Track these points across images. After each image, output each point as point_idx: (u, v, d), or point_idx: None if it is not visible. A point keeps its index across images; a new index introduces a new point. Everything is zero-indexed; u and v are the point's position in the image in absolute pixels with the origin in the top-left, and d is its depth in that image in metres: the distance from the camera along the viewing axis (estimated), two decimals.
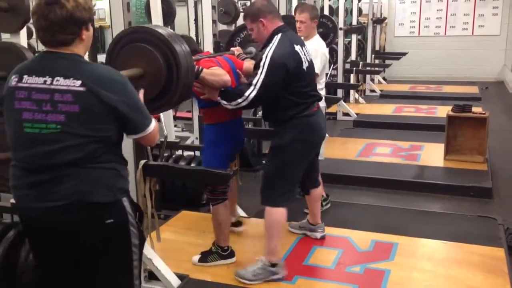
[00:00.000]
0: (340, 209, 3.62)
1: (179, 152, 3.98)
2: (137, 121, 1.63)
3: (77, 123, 1.52)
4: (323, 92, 3.57)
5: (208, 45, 3.71)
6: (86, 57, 1.70)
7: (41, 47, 1.64)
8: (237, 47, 3.01)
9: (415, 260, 2.88)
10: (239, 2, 5.44)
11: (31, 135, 1.54)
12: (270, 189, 2.59)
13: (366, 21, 8.65)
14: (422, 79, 9.94)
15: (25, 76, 1.56)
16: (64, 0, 1.51)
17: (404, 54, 9.01)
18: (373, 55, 8.84)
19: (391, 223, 3.37)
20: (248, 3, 7.76)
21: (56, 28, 1.53)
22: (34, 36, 6.52)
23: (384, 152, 5.05)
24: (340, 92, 6.98)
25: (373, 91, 8.50)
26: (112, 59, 1.94)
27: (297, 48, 2.49)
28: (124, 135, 1.68)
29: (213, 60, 2.59)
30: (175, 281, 2.56)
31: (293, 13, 4.61)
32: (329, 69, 6.58)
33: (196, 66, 2.27)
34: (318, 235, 3.10)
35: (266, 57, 2.42)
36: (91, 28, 1.62)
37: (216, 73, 2.42)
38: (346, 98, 7.37)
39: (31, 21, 1.64)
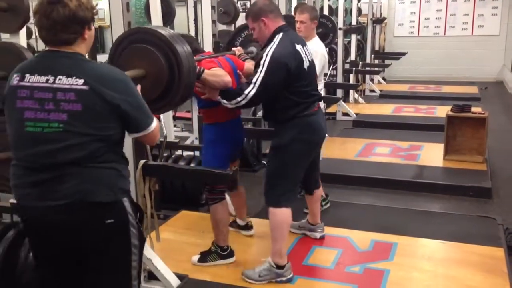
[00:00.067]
0: (340, 209, 3.62)
1: (179, 152, 3.99)
2: (139, 119, 1.63)
3: (80, 121, 1.52)
4: (322, 92, 3.57)
5: (207, 45, 3.71)
6: (86, 57, 1.70)
7: (40, 47, 1.64)
8: (238, 47, 3.01)
9: (415, 260, 2.88)
10: (238, 2, 5.43)
11: (33, 134, 1.54)
12: (272, 189, 2.59)
13: (366, 21, 8.66)
14: (422, 79, 9.95)
15: (27, 75, 1.56)
16: None
17: (403, 54, 9.02)
18: (372, 55, 8.85)
19: (390, 223, 3.37)
20: (248, 3, 7.75)
21: (59, 27, 1.53)
22: (34, 36, 6.52)
23: (383, 152, 5.05)
24: (339, 92, 6.98)
25: (372, 91, 8.50)
26: (114, 61, 1.95)
27: (298, 47, 2.50)
28: (126, 133, 1.69)
29: (214, 61, 2.59)
30: (175, 281, 2.56)
31: (292, 13, 4.61)
32: (329, 69, 6.59)
33: (198, 67, 2.28)
34: (318, 235, 3.10)
35: (267, 55, 2.42)
36: (93, 28, 1.63)
37: (217, 74, 2.43)
38: (345, 98, 7.38)
39: (30, 21, 1.65)
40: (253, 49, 3.02)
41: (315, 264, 2.85)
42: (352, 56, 7.67)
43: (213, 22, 4.16)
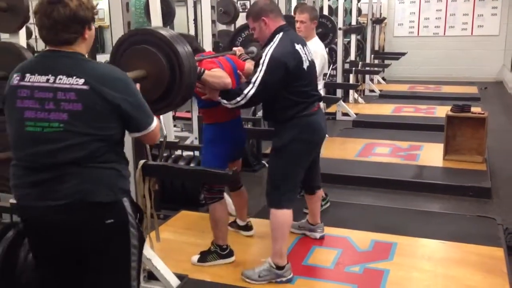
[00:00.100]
0: (340, 209, 3.62)
1: (178, 152, 3.99)
2: (139, 119, 1.63)
3: (80, 121, 1.52)
4: (322, 92, 3.57)
5: (207, 45, 3.71)
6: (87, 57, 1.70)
7: (40, 47, 1.65)
8: (239, 47, 3.02)
9: (414, 260, 2.88)
10: (238, 2, 5.43)
11: (33, 134, 1.54)
12: (273, 190, 2.59)
13: (366, 21, 8.66)
14: (421, 79, 9.95)
15: (28, 75, 1.56)
16: None
17: (403, 54, 9.03)
18: (372, 55, 8.86)
19: (390, 223, 3.37)
20: (248, 3, 7.75)
21: (60, 27, 1.53)
22: (33, 36, 6.52)
23: (383, 152, 5.05)
24: (339, 92, 6.99)
25: (372, 91, 8.50)
26: (115, 61, 1.96)
27: (298, 47, 2.50)
28: (126, 133, 1.69)
29: (214, 61, 2.60)
30: (174, 281, 2.56)
31: (292, 13, 4.61)
32: (329, 69, 6.59)
33: (198, 68, 2.28)
34: (318, 235, 3.10)
35: (266, 55, 2.42)
36: (93, 27, 1.63)
37: (217, 75, 2.43)
38: (345, 98, 7.38)
39: (30, 21, 1.65)
40: (253, 49, 3.03)
41: (315, 264, 2.85)
42: (352, 56, 7.68)
43: (213, 22, 4.16)
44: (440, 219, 3.48)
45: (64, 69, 1.54)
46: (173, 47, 1.86)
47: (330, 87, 6.84)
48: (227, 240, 2.83)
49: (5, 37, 2.69)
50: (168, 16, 4.91)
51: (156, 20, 2.86)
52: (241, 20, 4.27)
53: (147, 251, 2.52)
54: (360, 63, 7.99)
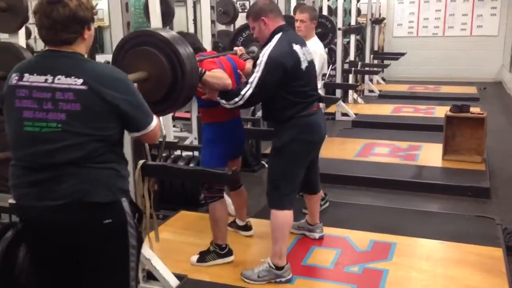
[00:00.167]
0: (339, 209, 3.62)
1: (178, 152, 3.99)
2: (139, 119, 1.63)
3: (78, 121, 1.52)
4: (321, 93, 3.57)
5: (207, 45, 3.71)
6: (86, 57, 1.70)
7: (39, 47, 1.65)
8: (240, 47, 3.03)
9: (414, 260, 2.88)
10: (238, 3, 5.44)
11: (32, 134, 1.54)
12: (274, 190, 2.59)
13: (365, 22, 8.66)
14: (421, 79, 9.96)
15: (26, 75, 1.56)
16: None
17: (402, 54, 9.03)
18: (371, 56, 8.86)
19: (389, 223, 3.37)
20: (247, 4, 7.75)
21: (59, 26, 1.53)
22: (33, 36, 6.51)
23: (382, 152, 5.06)
24: (338, 92, 6.99)
25: (371, 91, 8.51)
26: (117, 64, 1.97)
27: (296, 47, 2.50)
28: (126, 133, 1.69)
29: (215, 61, 2.61)
30: (174, 281, 2.56)
31: (291, 13, 4.60)
32: (328, 70, 6.59)
33: (199, 68, 2.29)
34: (317, 235, 3.10)
35: (264, 55, 2.43)
36: (92, 28, 1.63)
37: (218, 76, 2.44)
38: (344, 98, 7.38)
39: (29, 21, 1.65)
40: (254, 48, 3.03)
41: (314, 264, 2.85)
42: (351, 56, 7.68)
43: (212, 22, 4.16)
44: (439, 219, 3.48)
45: (63, 69, 1.54)
46: (175, 49, 1.87)
47: (330, 87, 6.84)
48: (226, 240, 2.83)
49: (5, 37, 2.70)
50: (167, 16, 4.91)
51: (156, 20, 2.86)
52: (241, 20, 4.28)
53: (146, 251, 2.52)
54: (359, 63, 7.99)
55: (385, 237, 3.13)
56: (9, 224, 2.42)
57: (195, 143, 4.43)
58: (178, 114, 5.58)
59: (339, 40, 6.71)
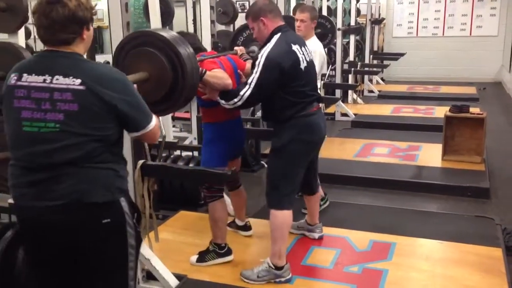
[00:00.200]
0: (338, 209, 3.62)
1: (177, 152, 3.99)
2: (138, 119, 1.63)
3: (76, 122, 1.52)
4: (320, 93, 3.58)
5: (206, 46, 3.71)
6: (85, 57, 1.70)
7: (39, 47, 1.65)
8: (241, 47, 3.03)
9: (413, 260, 2.88)
10: (237, 3, 5.44)
11: (30, 134, 1.54)
12: (273, 190, 2.59)
13: (364, 22, 8.67)
14: (420, 79, 9.96)
15: (25, 75, 1.56)
16: None
17: (402, 54, 9.03)
18: (371, 56, 8.86)
19: (389, 223, 3.37)
20: (247, 4, 7.75)
21: (57, 26, 1.53)
22: (32, 36, 6.51)
23: (382, 152, 5.06)
24: (338, 93, 6.99)
25: (371, 91, 8.51)
26: (118, 64, 1.98)
27: (295, 47, 2.50)
28: (125, 133, 1.69)
29: (216, 62, 2.61)
30: (173, 281, 2.56)
31: (291, 13, 4.60)
32: (328, 70, 6.59)
33: (200, 68, 2.30)
34: (316, 235, 3.11)
35: (262, 56, 2.44)
36: (91, 28, 1.63)
37: (218, 76, 2.45)
38: (344, 98, 7.38)
39: (29, 21, 1.65)
40: (254, 48, 3.03)
41: (314, 264, 2.85)
42: (351, 57, 7.68)
43: (212, 22, 4.16)
44: (439, 219, 3.48)
45: (61, 69, 1.54)
46: (175, 49, 1.88)
47: (329, 87, 6.84)
48: (225, 239, 2.83)
49: (4, 37, 2.70)
50: (167, 17, 4.90)
51: (155, 20, 2.87)
52: (240, 20, 4.27)
53: (146, 251, 2.52)
54: (359, 63, 8.00)
55: (385, 237, 3.13)
56: (9, 224, 2.42)
57: (195, 143, 4.43)
58: (178, 114, 5.58)
59: (339, 41, 6.71)
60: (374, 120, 6.51)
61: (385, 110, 7.13)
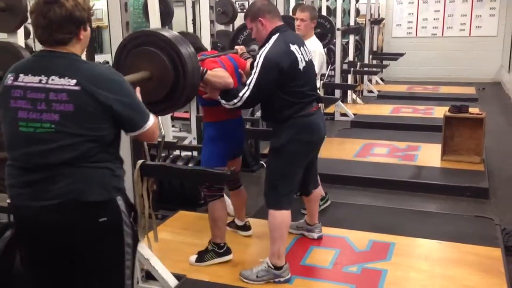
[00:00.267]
0: (338, 209, 3.62)
1: (177, 152, 3.99)
2: (134, 119, 1.63)
3: (72, 122, 1.52)
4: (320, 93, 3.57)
5: (206, 45, 3.72)
6: (84, 57, 1.70)
7: (38, 47, 1.65)
8: (241, 46, 3.03)
9: (412, 260, 2.89)
10: (236, 3, 5.44)
11: (26, 134, 1.54)
12: (272, 190, 2.59)
13: (364, 22, 8.67)
14: (420, 79, 9.97)
15: (21, 75, 1.56)
16: None
17: (401, 54, 9.03)
18: (370, 56, 8.86)
19: (388, 223, 3.38)
20: (246, 4, 7.75)
21: (54, 27, 1.53)
22: (32, 36, 6.51)
23: (381, 152, 5.06)
24: (337, 93, 6.99)
25: (370, 91, 8.51)
26: (120, 64, 1.98)
27: (293, 47, 2.50)
28: (123, 133, 1.69)
29: (217, 61, 2.61)
30: (173, 281, 2.56)
31: (290, 14, 4.60)
32: (327, 70, 6.59)
33: (201, 68, 2.30)
34: (315, 235, 3.11)
35: (260, 57, 2.44)
36: (89, 29, 1.63)
37: (219, 75, 2.45)
38: (343, 98, 7.38)
39: (28, 21, 1.65)
40: (255, 47, 3.03)
41: (313, 264, 2.85)
42: (350, 57, 7.68)
43: (211, 22, 4.16)
44: (438, 219, 3.48)
45: (57, 69, 1.54)
46: (176, 48, 1.88)
47: (329, 87, 6.84)
48: (225, 239, 2.83)
49: (3, 37, 2.70)
50: (166, 16, 4.91)
51: (155, 20, 2.87)
52: (240, 20, 4.27)
53: (145, 251, 2.52)
54: (358, 63, 8.00)
55: (384, 237, 3.13)
56: (8, 224, 2.42)
57: (194, 143, 4.43)
58: (177, 114, 5.58)
59: (338, 41, 6.71)
60: (374, 120, 6.51)
61: (385, 110, 7.13)
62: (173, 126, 5.31)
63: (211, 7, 4.12)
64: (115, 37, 2.40)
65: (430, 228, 3.28)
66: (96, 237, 1.61)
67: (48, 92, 1.52)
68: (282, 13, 4.61)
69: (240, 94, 2.44)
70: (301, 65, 2.51)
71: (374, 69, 8.67)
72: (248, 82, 2.44)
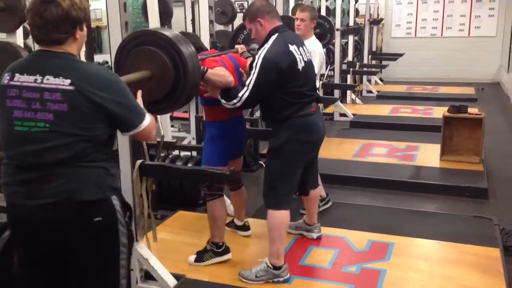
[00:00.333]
0: (337, 209, 3.62)
1: (176, 152, 3.99)
2: (130, 119, 1.63)
3: (66, 122, 1.53)
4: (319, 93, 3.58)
5: (205, 45, 3.72)
6: (83, 58, 1.70)
7: (37, 47, 1.65)
8: (241, 45, 3.03)
9: (411, 260, 2.89)
10: (236, 3, 5.44)
11: (21, 133, 1.55)
12: (270, 190, 2.59)
13: (363, 22, 8.67)
14: (419, 80, 9.97)
15: (17, 75, 1.57)
16: None
17: (400, 55, 9.04)
18: (369, 56, 8.86)
19: (387, 223, 3.38)
20: (246, 4, 7.75)
21: (50, 26, 1.54)
22: (31, 36, 6.50)
23: (380, 152, 5.06)
24: (337, 93, 6.99)
25: (369, 91, 8.51)
26: (120, 64, 1.98)
27: (292, 48, 2.50)
28: (119, 132, 1.69)
29: (217, 60, 2.62)
30: (172, 281, 2.56)
31: (290, 14, 4.60)
32: (326, 70, 6.59)
33: (202, 67, 2.30)
34: (315, 235, 3.11)
35: (259, 57, 2.44)
36: (85, 28, 1.63)
37: (220, 74, 2.46)
38: (343, 98, 7.38)
39: (27, 21, 1.65)
40: (255, 46, 3.03)
41: (312, 264, 2.85)
42: (350, 57, 7.68)
43: (211, 22, 4.16)
44: (437, 219, 3.49)
45: (52, 69, 1.54)
46: (177, 47, 1.88)
47: (328, 87, 6.85)
48: (223, 238, 2.83)
49: (2, 36, 2.70)
50: (165, 16, 4.92)
51: (154, 20, 2.87)
52: (239, 20, 4.27)
53: (144, 251, 2.52)
54: (357, 64, 8.00)
55: (383, 237, 3.13)
56: (7, 224, 2.41)
57: (193, 143, 4.44)
58: (176, 114, 5.58)
59: (337, 41, 6.71)
60: (373, 120, 6.51)
61: (384, 110, 7.13)
62: (172, 126, 5.31)
63: (210, 7, 4.11)
64: (114, 37, 2.40)
65: (429, 228, 3.28)
66: (91, 237, 1.61)
67: (42, 92, 1.52)
68: (281, 13, 4.61)
69: (240, 95, 2.44)
70: (300, 65, 2.51)
71: (373, 69, 8.67)
72: (247, 82, 2.44)
